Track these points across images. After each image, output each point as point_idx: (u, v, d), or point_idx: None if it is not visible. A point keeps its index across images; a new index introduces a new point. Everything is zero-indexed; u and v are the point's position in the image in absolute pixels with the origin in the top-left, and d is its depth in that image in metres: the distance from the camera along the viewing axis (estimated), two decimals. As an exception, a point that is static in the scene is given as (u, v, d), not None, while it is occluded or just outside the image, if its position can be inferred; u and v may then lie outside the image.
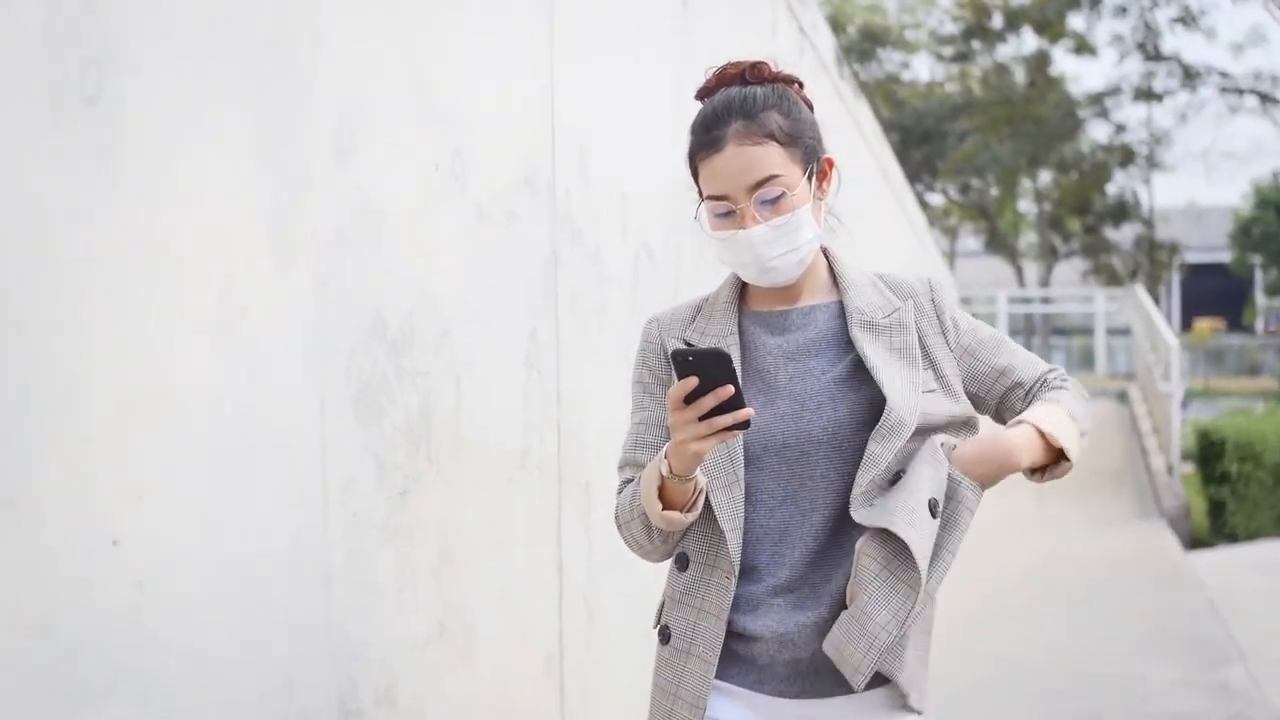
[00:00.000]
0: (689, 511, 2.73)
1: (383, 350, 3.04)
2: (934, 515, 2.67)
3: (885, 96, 42.23)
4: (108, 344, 2.20)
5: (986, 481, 2.77)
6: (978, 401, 2.94)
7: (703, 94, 2.89)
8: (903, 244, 16.94)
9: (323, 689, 2.82)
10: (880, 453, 2.71)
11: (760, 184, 2.75)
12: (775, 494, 2.78)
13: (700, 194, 2.84)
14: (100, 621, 2.19)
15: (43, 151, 2.06)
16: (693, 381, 2.49)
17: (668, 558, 2.89)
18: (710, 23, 5.88)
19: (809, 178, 2.81)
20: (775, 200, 2.76)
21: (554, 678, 4.05)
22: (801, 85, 2.92)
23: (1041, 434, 2.80)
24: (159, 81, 2.31)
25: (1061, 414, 2.85)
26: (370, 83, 3.00)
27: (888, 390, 2.72)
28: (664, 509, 2.71)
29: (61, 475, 2.10)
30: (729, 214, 2.78)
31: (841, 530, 2.75)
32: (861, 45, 44.01)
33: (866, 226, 12.77)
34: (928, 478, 2.70)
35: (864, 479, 2.71)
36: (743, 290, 2.95)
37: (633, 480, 2.90)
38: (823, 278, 2.93)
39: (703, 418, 2.51)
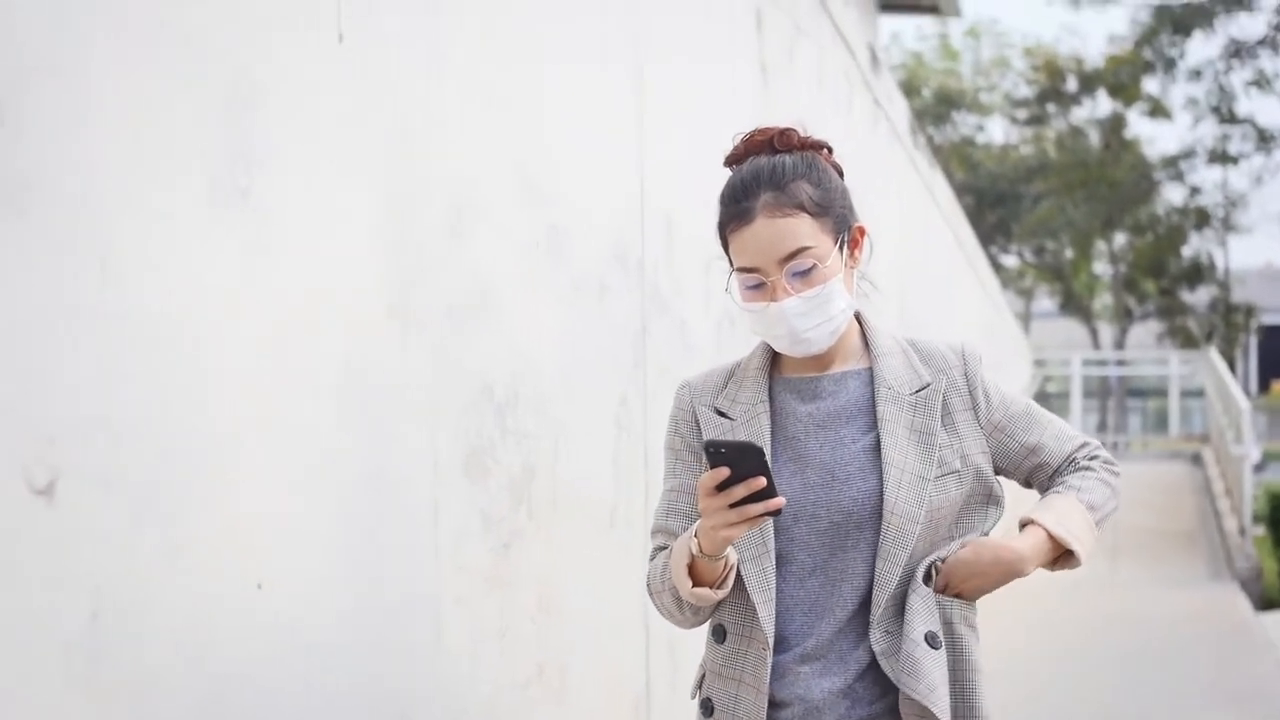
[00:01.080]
0: (719, 588, 2.68)
1: (490, 413, 3.30)
2: (933, 646, 2.67)
3: (960, 159, 42.40)
4: (257, 409, 2.46)
5: (985, 589, 2.76)
6: (1005, 474, 2.89)
7: (731, 161, 2.83)
8: (976, 309, 17.12)
9: (434, 725, 3.07)
10: (888, 570, 2.68)
11: (791, 256, 2.68)
12: (805, 564, 2.73)
13: (730, 264, 2.78)
14: (247, 656, 2.45)
15: (203, 238, 2.34)
16: (724, 472, 2.47)
17: (698, 626, 2.86)
18: (789, 97, 6.14)
19: (840, 247, 2.74)
20: (806, 272, 2.68)
21: (640, 723, 4.29)
22: (831, 151, 2.86)
23: (1051, 537, 2.76)
24: (300, 173, 2.59)
25: (1075, 508, 2.82)
26: (480, 169, 3.27)
27: (888, 492, 2.67)
28: (694, 585, 2.67)
29: (216, 526, 2.36)
30: (760, 286, 2.71)
31: (870, 600, 2.72)
32: (936, 108, 44.16)
33: (941, 294, 12.98)
34: (918, 610, 2.68)
35: (880, 598, 2.68)
36: (774, 355, 2.88)
37: (664, 549, 2.85)
38: (855, 343, 2.86)
39: (734, 505, 2.48)
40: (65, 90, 2.04)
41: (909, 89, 41.90)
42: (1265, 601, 16.91)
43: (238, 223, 2.41)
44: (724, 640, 2.80)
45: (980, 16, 47.59)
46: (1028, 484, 2.95)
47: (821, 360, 2.82)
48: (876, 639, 2.69)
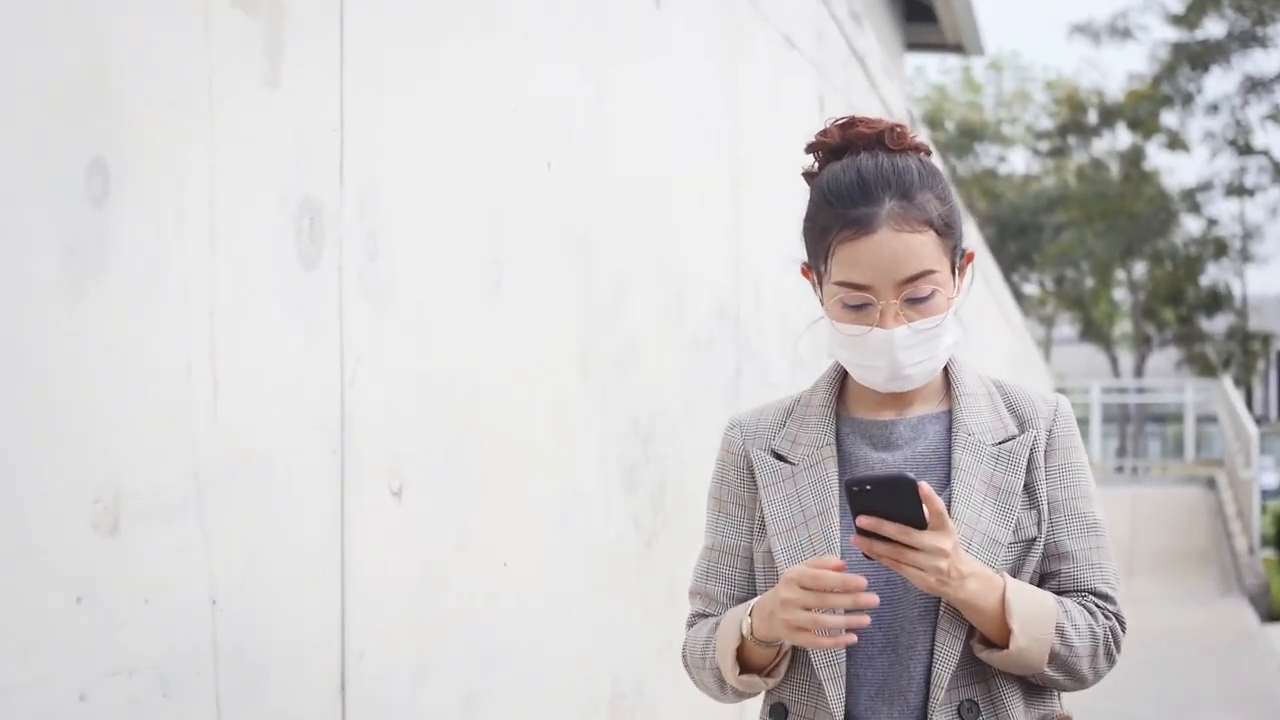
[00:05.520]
0: (769, 677, 2.42)
1: (637, 442, 4.27)
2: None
3: (983, 190, 43.28)
4: (504, 436, 3.44)
5: (922, 586, 2.29)
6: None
7: (822, 149, 2.49)
8: (1001, 341, 18.02)
9: (602, 678, 4.04)
10: (948, 645, 2.36)
11: (912, 279, 2.32)
12: (875, 640, 2.38)
13: (816, 270, 2.46)
14: (495, 613, 3.41)
15: (475, 318, 3.31)
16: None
17: (743, 701, 2.62)
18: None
19: (953, 273, 2.41)
20: (924, 299, 2.34)
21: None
22: (930, 153, 2.48)
23: (1003, 603, 2.30)
24: (527, 269, 3.57)
25: (1049, 613, 2.35)
26: (633, 258, 4.25)
27: None
28: (741, 672, 2.42)
29: (480, 522, 3.33)
30: (864, 306, 2.35)
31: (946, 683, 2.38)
32: (959, 140, 45.05)
33: (971, 330, 13.87)
34: None
35: (941, 676, 2.35)
36: (841, 389, 2.53)
37: (704, 615, 2.62)
38: (937, 382, 2.49)
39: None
40: (405, 223, 3.02)
41: (933, 121, 42.78)
42: (1271, 615, 17.85)
43: (493, 305, 3.39)
44: (784, 719, 2.50)
45: (1002, 50, 48.40)
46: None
47: (899, 400, 2.48)
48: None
